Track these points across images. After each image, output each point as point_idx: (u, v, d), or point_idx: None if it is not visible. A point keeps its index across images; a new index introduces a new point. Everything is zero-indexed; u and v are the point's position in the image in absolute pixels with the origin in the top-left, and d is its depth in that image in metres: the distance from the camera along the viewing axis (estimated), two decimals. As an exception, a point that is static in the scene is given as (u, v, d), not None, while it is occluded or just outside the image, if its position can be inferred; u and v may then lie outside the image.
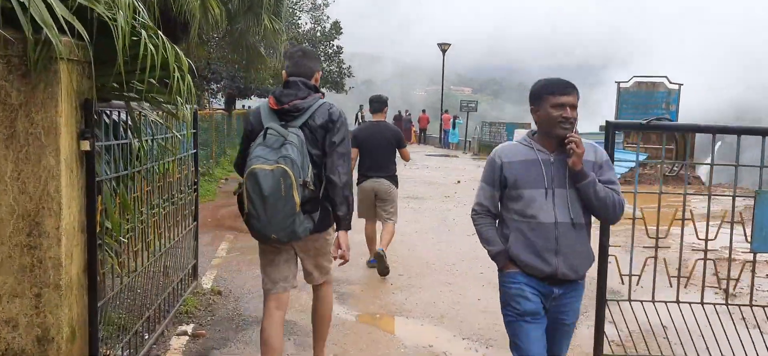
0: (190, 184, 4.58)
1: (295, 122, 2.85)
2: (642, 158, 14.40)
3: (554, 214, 2.46)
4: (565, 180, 2.48)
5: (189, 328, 4.12)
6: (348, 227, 3.00)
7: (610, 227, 3.27)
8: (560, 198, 2.47)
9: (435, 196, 11.25)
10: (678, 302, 3.52)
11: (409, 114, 30.57)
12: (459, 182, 13.64)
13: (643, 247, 3.61)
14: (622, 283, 3.52)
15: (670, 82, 15.98)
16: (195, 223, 4.82)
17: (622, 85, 16.09)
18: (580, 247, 2.51)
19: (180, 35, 8.10)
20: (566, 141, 2.43)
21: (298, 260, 3.09)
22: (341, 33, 20.85)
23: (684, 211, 3.44)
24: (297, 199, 2.69)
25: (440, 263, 6.25)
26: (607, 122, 3.58)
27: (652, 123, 3.49)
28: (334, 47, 21.11)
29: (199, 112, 5.21)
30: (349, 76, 21.43)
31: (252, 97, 22.68)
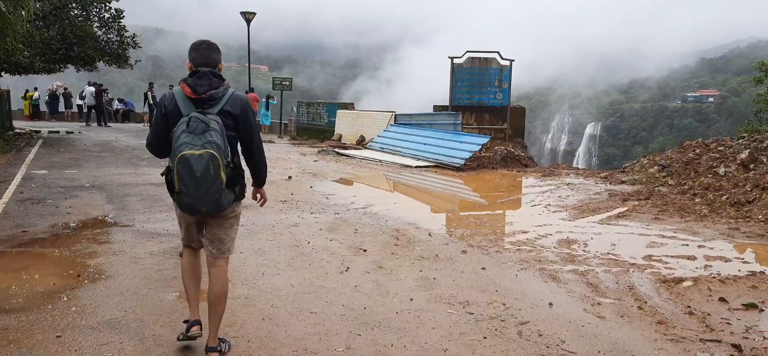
0: None
1: (212, 109, 3.20)
2: (485, 139, 13.30)
3: None
4: None
5: None
6: (264, 184, 3.69)
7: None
8: None
9: (268, 203, 8.55)
10: None
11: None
12: (290, 178, 11.07)
13: None
14: None
15: (502, 58, 15.28)
16: None
17: (455, 60, 14.98)
18: None
19: None
20: None
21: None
22: (120, -8, 16.59)
23: None
24: (224, 177, 3.14)
25: (322, 348, 3.74)
26: None
27: None
28: (112, 11, 16.75)
29: None
30: (133, 48, 17.24)
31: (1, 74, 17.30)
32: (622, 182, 10.46)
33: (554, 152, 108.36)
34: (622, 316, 4.25)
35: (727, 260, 5.77)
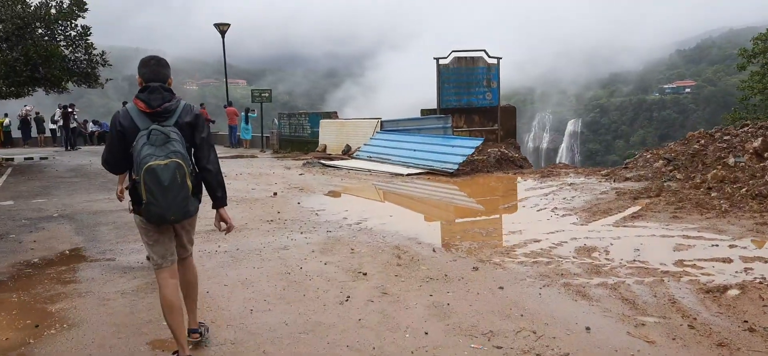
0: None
1: (168, 122, 3.28)
2: (478, 142, 12.73)
3: None
4: None
5: None
6: (226, 204, 3.58)
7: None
8: None
9: (253, 224, 7.89)
10: None
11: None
12: (276, 194, 10.38)
13: None
14: None
15: (489, 57, 14.75)
16: None
17: (441, 61, 14.40)
18: None
19: None
20: None
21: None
22: (86, 9, 15.69)
23: None
24: (190, 185, 3.26)
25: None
26: None
27: None
28: (79, 28, 15.90)
29: None
30: (103, 66, 16.39)
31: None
32: (627, 179, 9.94)
33: (538, 150, 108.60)
34: (674, 339, 3.65)
35: (766, 262, 5.22)
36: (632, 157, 24.17)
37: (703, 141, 9.98)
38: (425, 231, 7.34)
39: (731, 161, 8.88)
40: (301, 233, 7.23)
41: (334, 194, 10.63)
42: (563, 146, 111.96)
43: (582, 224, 7.12)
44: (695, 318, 3.95)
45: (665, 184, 8.91)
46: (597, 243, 6.14)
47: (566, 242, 6.27)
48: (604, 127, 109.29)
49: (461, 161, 12.10)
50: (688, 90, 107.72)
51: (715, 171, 8.27)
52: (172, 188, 3.15)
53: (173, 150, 3.16)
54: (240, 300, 4.71)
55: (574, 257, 5.67)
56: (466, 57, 14.94)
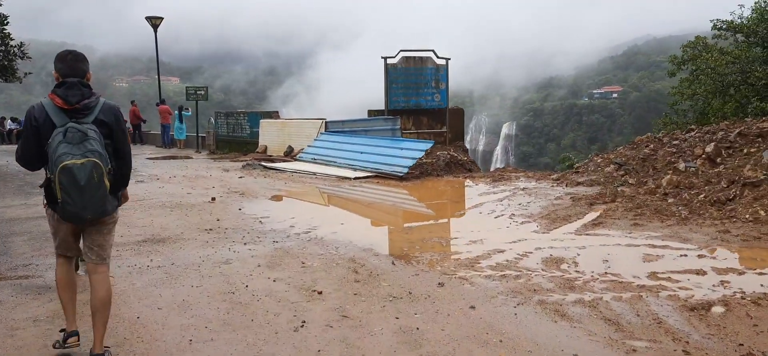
0: None
1: (86, 119, 3.21)
2: (428, 145, 12.37)
3: None
4: None
5: None
6: (127, 185, 3.66)
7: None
8: None
9: (190, 233, 7.16)
10: None
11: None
12: (214, 199, 9.61)
13: None
14: None
15: (438, 57, 14.43)
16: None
17: (389, 61, 13.94)
18: None
19: None
20: None
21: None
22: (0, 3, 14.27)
23: None
24: (107, 184, 3.21)
25: None
26: None
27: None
28: (-6, 17, 14.43)
29: None
30: (22, 58, 14.99)
31: None
32: (579, 184, 9.81)
33: (474, 153, 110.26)
34: (671, 367, 3.32)
35: (740, 273, 5.04)
36: (568, 160, 24.62)
37: (652, 146, 9.99)
38: (381, 241, 6.85)
39: (682, 166, 8.88)
40: (245, 244, 6.58)
41: (278, 198, 9.97)
42: (498, 148, 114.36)
43: (543, 232, 6.83)
44: (687, 342, 3.64)
45: (618, 189, 8.80)
46: (563, 254, 5.83)
47: (531, 252, 5.93)
48: (538, 130, 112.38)
49: (411, 165, 11.69)
50: (615, 95, 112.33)
51: (669, 177, 8.20)
52: (88, 187, 3.10)
53: (90, 149, 3.10)
54: (177, 327, 4.06)
55: (543, 269, 5.32)
56: (414, 57, 14.55)
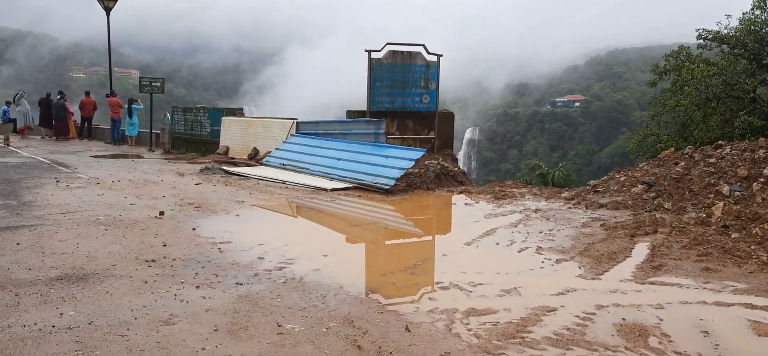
0: None
1: None
2: (420, 153, 10.78)
3: None
4: None
5: None
6: None
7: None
8: None
9: (124, 266, 5.33)
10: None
11: (64, 98, 21.38)
12: (162, 214, 7.75)
13: None
14: None
15: (428, 53, 12.87)
16: None
17: (374, 54, 12.28)
18: None
19: None
20: None
21: None
22: None
23: None
24: None
25: None
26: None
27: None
28: None
29: None
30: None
31: None
32: (602, 206, 8.34)
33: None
34: None
35: None
36: (538, 168, 23.39)
37: (683, 163, 8.61)
38: (381, 285, 5.17)
39: (726, 189, 7.51)
40: (198, 287, 4.82)
41: (242, 215, 8.17)
42: (461, 153, 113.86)
43: (593, 278, 5.27)
44: None
45: (654, 214, 7.36)
46: (639, 316, 4.28)
47: (594, 313, 4.36)
48: (500, 136, 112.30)
49: (399, 176, 10.04)
50: (577, 104, 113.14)
51: (724, 205, 6.80)
52: None
53: None
54: None
55: (626, 346, 3.75)
56: (402, 51, 12.91)
